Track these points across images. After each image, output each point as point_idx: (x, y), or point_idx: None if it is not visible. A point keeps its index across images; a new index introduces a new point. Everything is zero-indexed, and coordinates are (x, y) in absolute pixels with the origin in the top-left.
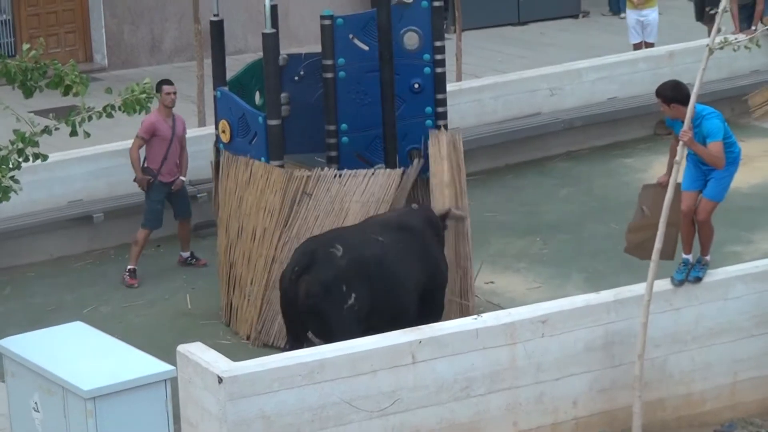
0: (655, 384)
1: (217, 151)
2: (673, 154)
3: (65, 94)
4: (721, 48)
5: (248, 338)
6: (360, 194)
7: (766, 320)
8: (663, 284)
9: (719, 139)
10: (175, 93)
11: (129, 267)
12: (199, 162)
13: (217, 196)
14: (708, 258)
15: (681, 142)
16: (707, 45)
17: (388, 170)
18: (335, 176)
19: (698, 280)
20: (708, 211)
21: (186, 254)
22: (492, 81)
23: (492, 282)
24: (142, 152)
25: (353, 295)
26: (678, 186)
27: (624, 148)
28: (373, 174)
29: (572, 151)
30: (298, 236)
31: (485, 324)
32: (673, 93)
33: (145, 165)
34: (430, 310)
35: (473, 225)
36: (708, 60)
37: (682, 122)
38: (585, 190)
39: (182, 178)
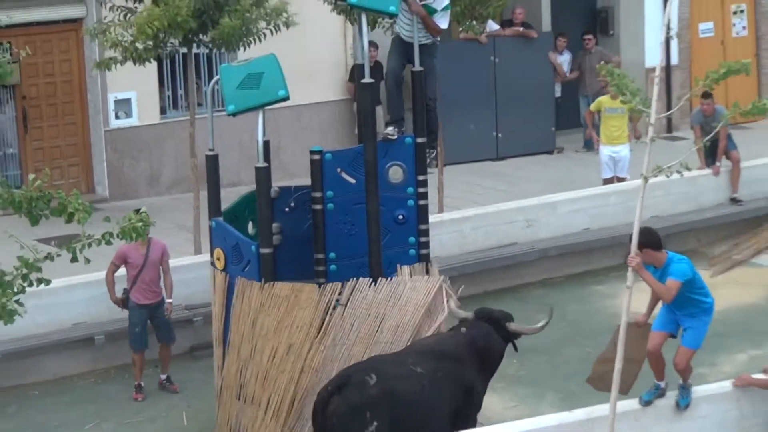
0: None
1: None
2: (654, 298)
3: (68, 221)
4: (656, 175)
5: None
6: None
7: None
8: (632, 404)
9: (679, 280)
10: None
11: (134, 384)
12: (194, 288)
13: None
14: (690, 382)
15: (630, 268)
16: (641, 174)
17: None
18: (370, 286)
19: (687, 406)
20: (687, 359)
21: (163, 377)
22: (472, 213)
23: None
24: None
25: (375, 423)
26: (647, 325)
27: (597, 276)
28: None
29: (547, 278)
30: (333, 344)
31: None
32: (645, 239)
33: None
34: (462, 427)
35: None
36: (645, 188)
37: (654, 267)
38: (559, 315)
39: (168, 300)
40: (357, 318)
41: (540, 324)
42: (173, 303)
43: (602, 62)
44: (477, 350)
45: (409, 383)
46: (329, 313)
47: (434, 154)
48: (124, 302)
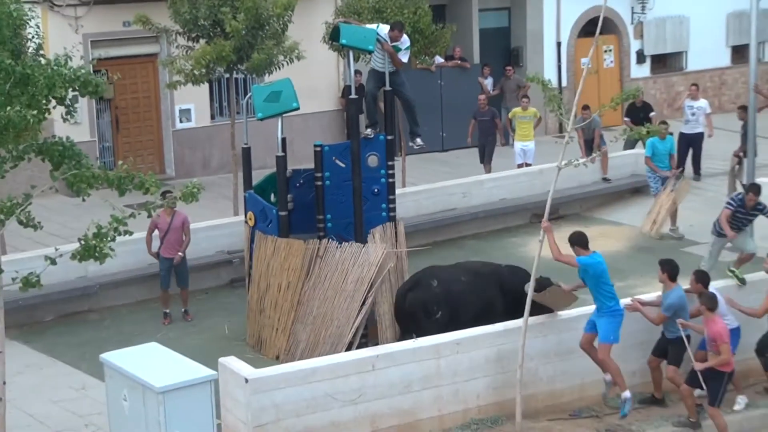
0: (530, 384)
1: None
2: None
3: (145, 193)
4: (567, 166)
5: (277, 358)
6: (357, 259)
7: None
8: (539, 319)
9: (577, 260)
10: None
11: (162, 311)
12: (233, 239)
13: (248, 261)
14: (625, 394)
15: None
16: (557, 165)
17: (377, 245)
18: (337, 247)
19: (624, 417)
20: (603, 351)
21: (183, 309)
22: (425, 188)
23: None
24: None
25: (440, 313)
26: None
27: (511, 231)
28: (365, 246)
29: (477, 233)
30: (314, 286)
31: (420, 345)
32: (576, 238)
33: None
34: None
35: None
36: (558, 175)
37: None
38: (486, 258)
39: (180, 254)
40: (329, 270)
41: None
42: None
43: (518, 86)
44: (501, 284)
45: (459, 286)
46: (312, 261)
47: (418, 140)
48: (156, 255)
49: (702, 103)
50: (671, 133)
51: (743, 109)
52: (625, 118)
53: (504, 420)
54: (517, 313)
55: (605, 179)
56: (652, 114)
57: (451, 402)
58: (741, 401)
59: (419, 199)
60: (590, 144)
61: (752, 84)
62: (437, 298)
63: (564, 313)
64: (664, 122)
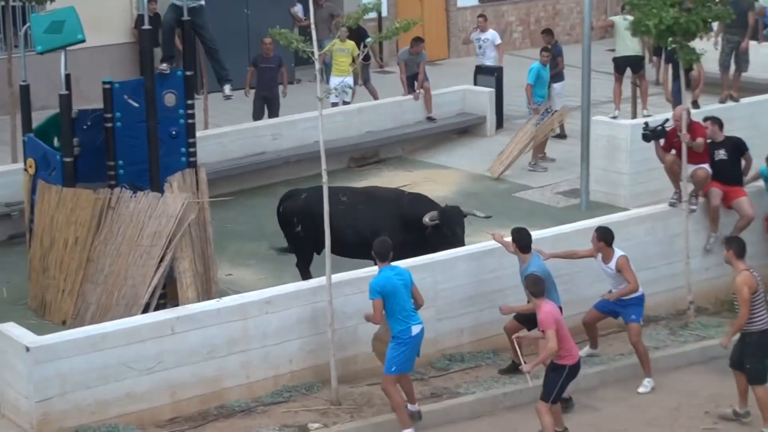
0: (349, 346)
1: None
2: None
3: None
4: (327, 96)
5: (64, 323)
6: (153, 210)
7: (426, 299)
8: (354, 273)
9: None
10: None
11: None
12: (11, 189)
13: (28, 214)
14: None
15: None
16: (316, 95)
17: (175, 194)
18: (131, 197)
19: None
20: (386, 383)
21: None
22: (230, 129)
23: (230, 274)
24: None
25: (300, 226)
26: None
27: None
28: (162, 196)
29: (289, 179)
30: (105, 241)
31: (225, 305)
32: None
33: None
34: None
35: (216, 233)
36: (322, 106)
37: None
38: None
39: None
40: (122, 224)
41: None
42: None
43: (331, 15)
44: (401, 214)
45: (332, 207)
46: (102, 214)
47: (227, 87)
48: None
49: (489, 34)
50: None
51: (547, 32)
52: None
53: (320, 386)
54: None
55: (430, 119)
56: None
57: (260, 368)
58: (647, 384)
59: (224, 142)
60: (413, 80)
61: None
62: (299, 211)
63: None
64: (545, 49)
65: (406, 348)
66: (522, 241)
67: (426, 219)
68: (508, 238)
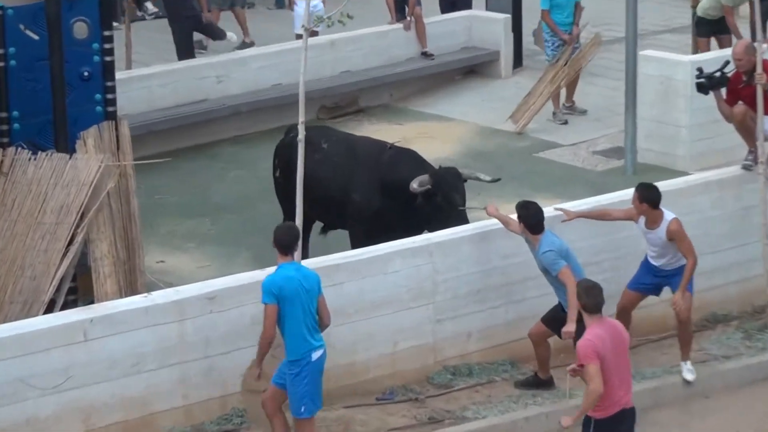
0: None
1: None
2: None
3: None
4: (317, 25)
5: None
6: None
7: (422, 293)
8: (325, 260)
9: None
10: None
11: None
12: None
13: None
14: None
15: None
16: (302, 25)
17: (89, 155)
18: (30, 159)
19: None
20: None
21: None
22: (160, 69)
23: (162, 261)
24: None
25: (278, 171)
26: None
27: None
28: (71, 158)
29: (240, 135)
30: None
31: (155, 302)
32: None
33: None
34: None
35: (143, 207)
36: (307, 39)
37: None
38: (252, 172)
39: None
40: (18, 195)
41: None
42: None
43: None
44: (379, 174)
45: (309, 150)
46: None
47: (148, 3)
48: None
49: None
50: None
51: None
52: None
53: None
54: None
55: (425, 54)
56: None
57: (202, 385)
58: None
59: (152, 86)
60: (403, 4)
61: None
62: (281, 150)
63: (366, 253)
64: None
65: (309, 377)
66: (530, 219)
67: (414, 185)
68: (515, 214)
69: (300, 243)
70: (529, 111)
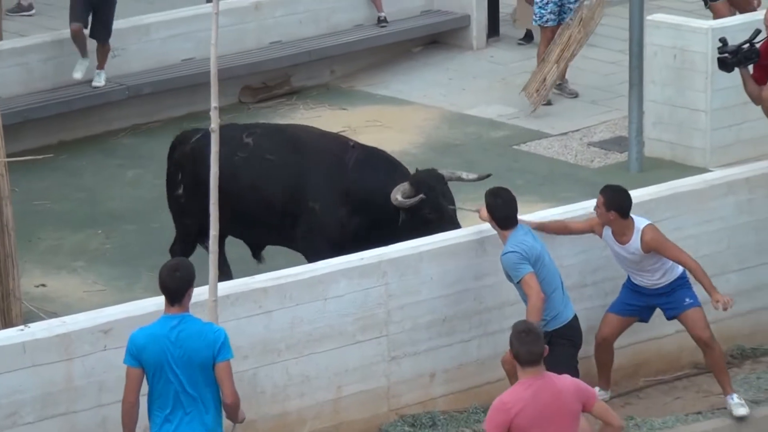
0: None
1: None
2: None
3: None
4: None
5: None
6: None
7: (373, 323)
8: (248, 282)
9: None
10: None
11: None
12: None
13: None
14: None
15: None
16: None
17: None
18: None
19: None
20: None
21: None
22: (39, 40)
23: (43, 285)
24: None
25: (182, 186)
26: None
27: (205, 119)
28: None
29: (140, 124)
30: None
31: (34, 336)
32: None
33: None
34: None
35: (19, 216)
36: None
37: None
38: (156, 171)
39: None
40: None
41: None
42: None
43: None
44: (348, 180)
45: (227, 149)
46: None
47: None
48: None
49: None
50: None
51: None
52: None
53: None
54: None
55: (381, 21)
56: None
57: None
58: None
59: (30, 63)
60: None
61: None
62: (181, 161)
63: (302, 273)
64: None
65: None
66: (498, 210)
67: (398, 196)
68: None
69: (192, 289)
70: (547, 82)
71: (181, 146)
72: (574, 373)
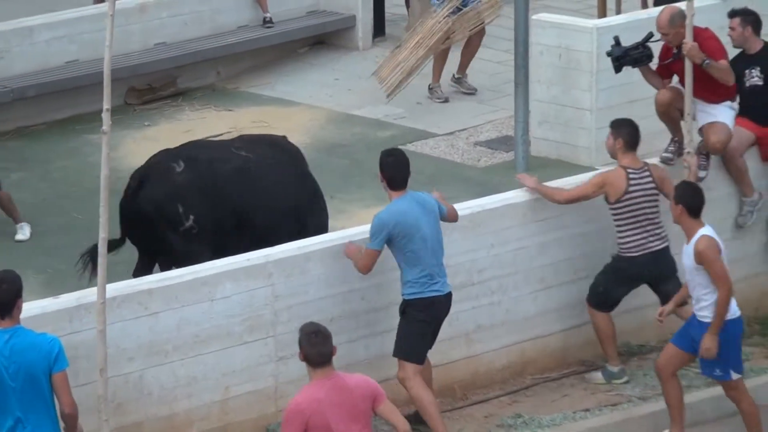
0: (131, 405)
1: None
2: None
3: None
4: None
5: None
6: None
7: (259, 324)
8: (132, 284)
9: None
10: None
11: None
12: None
13: None
14: None
15: None
16: None
17: None
18: None
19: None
20: None
21: None
22: None
23: None
24: None
25: (191, 217)
26: None
27: (89, 122)
28: None
29: (24, 126)
30: None
31: None
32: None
33: None
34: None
35: None
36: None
37: None
38: (41, 174)
39: None
40: None
41: None
42: None
43: None
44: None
45: (228, 165)
46: None
47: None
48: None
49: None
50: None
51: None
52: None
53: None
54: None
55: (266, 22)
56: None
57: None
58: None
59: None
60: None
61: None
62: (182, 191)
63: (187, 275)
64: None
65: None
66: (389, 169)
67: None
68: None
69: (21, 300)
70: (399, 68)
71: (161, 184)
72: (409, 346)
